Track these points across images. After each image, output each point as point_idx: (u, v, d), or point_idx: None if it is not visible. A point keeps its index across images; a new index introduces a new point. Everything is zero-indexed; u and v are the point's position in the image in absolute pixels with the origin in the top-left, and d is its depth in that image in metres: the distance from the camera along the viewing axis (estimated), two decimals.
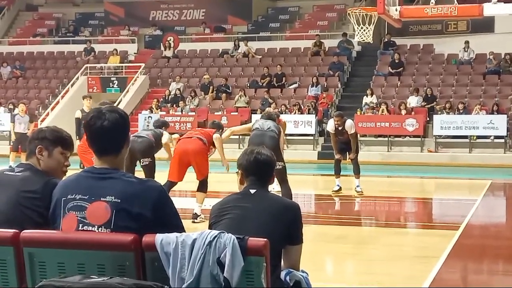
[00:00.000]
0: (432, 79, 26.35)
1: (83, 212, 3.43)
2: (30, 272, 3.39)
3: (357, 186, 13.42)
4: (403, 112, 23.92)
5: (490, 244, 9.50)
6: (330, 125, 13.50)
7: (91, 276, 3.08)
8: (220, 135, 10.50)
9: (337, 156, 13.58)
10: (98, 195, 3.43)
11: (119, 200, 3.40)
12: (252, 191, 4.02)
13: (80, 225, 3.42)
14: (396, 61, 27.01)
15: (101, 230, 3.39)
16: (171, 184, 10.25)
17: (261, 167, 4.09)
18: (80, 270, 3.29)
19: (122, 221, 3.38)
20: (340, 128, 13.20)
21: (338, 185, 13.56)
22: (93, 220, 3.41)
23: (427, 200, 14.19)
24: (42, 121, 25.50)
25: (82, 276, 3.07)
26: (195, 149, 10.19)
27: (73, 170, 3.95)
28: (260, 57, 29.52)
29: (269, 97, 25.96)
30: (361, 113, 24.61)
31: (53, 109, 27.25)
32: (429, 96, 24.63)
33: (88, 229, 3.41)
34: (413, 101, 24.68)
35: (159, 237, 3.35)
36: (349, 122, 13.28)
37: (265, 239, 3.36)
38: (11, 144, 19.91)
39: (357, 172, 13.46)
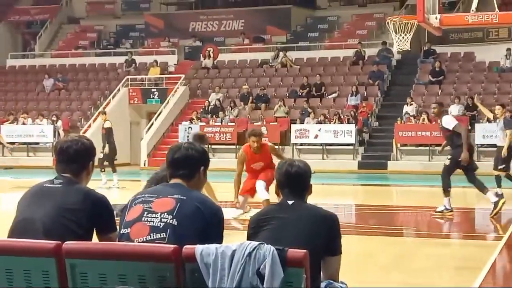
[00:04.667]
0: (473, 87, 26.04)
1: (150, 204, 3.69)
2: (72, 283, 3.43)
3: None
4: None
5: None
6: None
7: None
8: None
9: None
10: (166, 194, 3.72)
11: (185, 197, 3.67)
12: (290, 202, 4.02)
13: (145, 213, 3.65)
14: (437, 69, 26.76)
15: (163, 216, 3.60)
16: None
17: (293, 179, 4.08)
18: (121, 281, 3.32)
19: (185, 210, 3.61)
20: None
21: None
22: (157, 208, 3.64)
23: (469, 210, 14.01)
24: (84, 132, 25.79)
25: None
26: None
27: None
28: (299, 67, 29.51)
29: (309, 107, 25.93)
30: (401, 122, 24.42)
31: (95, 120, 27.56)
32: (470, 104, 24.35)
33: (152, 216, 3.62)
34: (454, 109, 24.41)
35: (199, 248, 3.37)
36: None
37: (305, 250, 3.36)
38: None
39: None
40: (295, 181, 4.08)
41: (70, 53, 33.45)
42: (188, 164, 3.86)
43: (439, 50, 28.13)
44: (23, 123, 27.70)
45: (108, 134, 17.50)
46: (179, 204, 3.65)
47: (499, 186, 13.14)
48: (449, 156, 12.22)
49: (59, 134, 26.28)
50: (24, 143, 27.31)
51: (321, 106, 26.68)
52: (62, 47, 34.61)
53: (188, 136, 24.41)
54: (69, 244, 3.48)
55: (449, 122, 12.28)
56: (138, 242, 3.60)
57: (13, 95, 31.53)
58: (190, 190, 3.79)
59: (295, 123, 25.41)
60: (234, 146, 24.44)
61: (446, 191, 12.19)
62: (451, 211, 12.23)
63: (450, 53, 28.40)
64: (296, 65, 29.59)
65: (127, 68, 30.93)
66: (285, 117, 26.02)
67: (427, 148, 23.40)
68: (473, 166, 12.18)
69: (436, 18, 14.54)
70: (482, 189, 11.96)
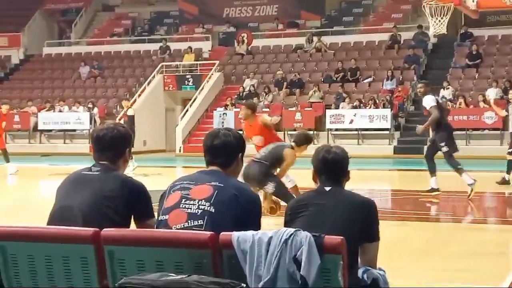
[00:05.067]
0: (511, 70, 25.66)
1: (187, 191, 3.69)
2: (111, 270, 3.46)
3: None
4: (482, 105, 23.40)
5: None
6: None
7: (170, 274, 3.12)
8: None
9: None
10: (204, 181, 3.71)
11: (222, 185, 3.66)
12: (327, 188, 4.00)
13: (183, 200, 3.66)
14: (474, 52, 26.41)
15: (201, 203, 3.61)
16: None
17: (330, 166, 4.04)
18: (159, 267, 3.34)
19: (222, 197, 3.61)
20: None
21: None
22: (195, 195, 3.65)
23: (508, 195, 13.84)
24: (119, 119, 26.00)
25: (161, 274, 3.12)
26: None
27: None
28: (334, 51, 29.34)
29: (344, 92, 25.79)
30: None
31: (130, 107, 27.73)
32: (508, 87, 24.00)
33: (189, 203, 3.63)
34: (492, 93, 24.06)
35: (235, 235, 3.38)
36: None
37: (341, 237, 3.34)
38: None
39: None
40: (332, 167, 4.04)
41: (105, 40, 33.67)
42: (226, 151, 3.85)
43: (476, 33, 27.75)
44: (60, 111, 28.00)
45: (130, 122, 17.64)
46: (216, 191, 3.65)
47: (508, 172, 13.19)
48: (432, 138, 12.47)
49: (95, 121, 26.52)
50: (61, 130, 27.62)
51: (356, 91, 26.51)
52: (97, 34, 34.84)
53: (223, 123, 24.49)
54: (107, 231, 3.51)
55: (427, 102, 12.40)
56: (176, 228, 3.61)
57: (49, 83, 31.86)
58: (228, 177, 3.79)
59: (330, 108, 25.31)
60: None
61: (431, 171, 12.41)
62: (438, 191, 12.46)
63: (487, 36, 27.99)
64: (330, 50, 29.42)
65: (161, 55, 31.04)
66: (319, 102, 25.92)
67: (464, 132, 23.12)
68: (451, 148, 12.34)
69: (473, 0, 14.36)
70: (458, 170, 12.16)
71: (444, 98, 24.42)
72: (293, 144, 9.48)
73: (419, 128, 12.65)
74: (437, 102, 12.73)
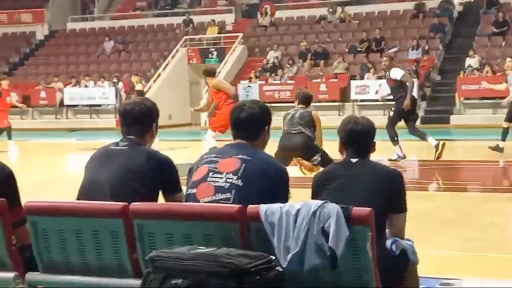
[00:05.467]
0: None
1: (215, 164, 3.70)
2: (140, 244, 3.49)
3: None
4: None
5: None
6: None
7: (198, 247, 3.14)
8: None
9: None
10: (231, 154, 3.72)
11: (250, 158, 3.66)
12: (354, 160, 3.98)
13: (210, 173, 3.68)
14: (500, 20, 26.01)
15: (228, 176, 3.62)
16: None
17: (358, 138, 4.00)
18: (188, 240, 3.36)
19: (250, 170, 3.62)
20: None
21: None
22: (222, 168, 3.66)
23: None
24: (145, 93, 26.06)
25: (190, 247, 3.14)
26: None
27: None
28: (358, 21, 29.10)
29: (368, 62, 25.60)
30: (464, 75, 23.93)
31: (155, 81, 27.81)
32: None
33: (217, 176, 3.65)
34: None
35: (263, 208, 3.39)
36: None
37: (369, 208, 3.34)
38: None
39: None
40: (360, 139, 4.01)
41: (128, 14, 33.67)
42: (253, 124, 3.85)
43: (502, 0, 27.33)
44: (86, 86, 28.13)
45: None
46: (244, 164, 3.65)
47: (503, 139, 13.13)
48: (393, 108, 13.21)
49: (120, 96, 26.61)
50: (87, 106, 27.78)
51: (381, 61, 26.27)
52: (120, 9, 34.85)
53: (247, 95, 24.45)
54: (136, 205, 3.54)
55: (397, 72, 13.06)
56: (204, 202, 3.63)
57: (74, 58, 31.97)
58: (255, 150, 3.79)
59: (355, 79, 25.15)
60: (293, 104, 24.31)
61: (394, 140, 13.02)
62: (404, 157, 13.09)
63: None
64: (354, 20, 29.18)
65: (185, 28, 31.00)
66: (344, 73, 25.76)
67: (491, 101, 22.88)
68: (414, 117, 13.43)
69: None
70: (423, 137, 13.12)
71: (470, 66, 24.17)
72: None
73: (406, 102, 12.90)
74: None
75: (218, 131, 11.73)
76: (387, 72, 13.33)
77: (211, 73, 12.09)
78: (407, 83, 12.93)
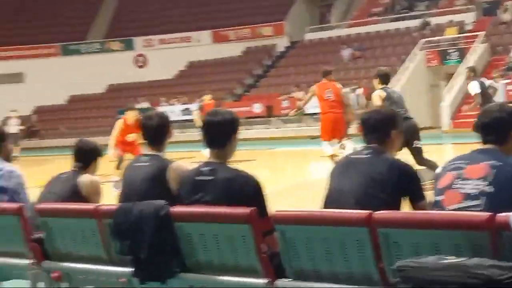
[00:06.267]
0: None
1: (461, 171, 3.60)
2: (386, 252, 3.46)
3: None
4: None
5: None
6: None
7: (446, 257, 3.05)
8: None
9: None
10: (478, 160, 3.59)
11: (501, 163, 3.52)
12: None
13: (457, 180, 3.58)
14: None
15: (477, 183, 3.50)
16: None
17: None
18: (436, 250, 3.27)
19: (502, 176, 3.47)
20: None
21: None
22: (470, 175, 3.55)
23: None
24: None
25: (438, 257, 3.05)
26: None
27: None
28: None
29: None
30: None
31: (395, 86, 27.63)
32: None
33: (465, 183, 3.54)
34: None
35: None
36: None
37: None
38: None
39: None
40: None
41: (364, 21, 33.79)
42: (500, 128, 3.69)
43: None
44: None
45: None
46: (495, 170, 3.50)
47: None
48: None
49: (358, 102, 26.74)
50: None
51: None
52: (357, 16, 35.09)
53: None
54: (380, 214, 3.51)
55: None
56: (451, 209, 3.53)
57: (313, 68, 32.70)
58: (505, 155, 3.62)
59: None
60: None
61: None
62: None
63: None
64: None
65: (421, 31, 30.48)
66: None
67: None
68: None
69: None
70: None
71: None
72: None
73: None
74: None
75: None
76: None
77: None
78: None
